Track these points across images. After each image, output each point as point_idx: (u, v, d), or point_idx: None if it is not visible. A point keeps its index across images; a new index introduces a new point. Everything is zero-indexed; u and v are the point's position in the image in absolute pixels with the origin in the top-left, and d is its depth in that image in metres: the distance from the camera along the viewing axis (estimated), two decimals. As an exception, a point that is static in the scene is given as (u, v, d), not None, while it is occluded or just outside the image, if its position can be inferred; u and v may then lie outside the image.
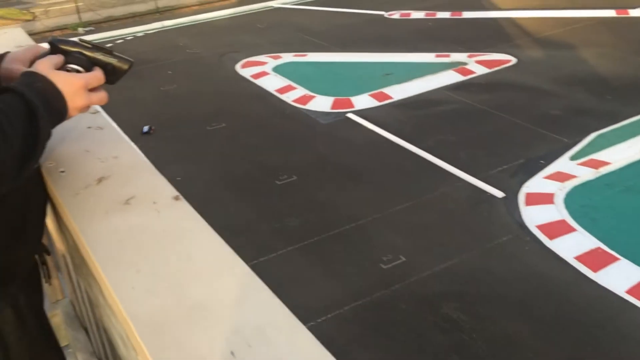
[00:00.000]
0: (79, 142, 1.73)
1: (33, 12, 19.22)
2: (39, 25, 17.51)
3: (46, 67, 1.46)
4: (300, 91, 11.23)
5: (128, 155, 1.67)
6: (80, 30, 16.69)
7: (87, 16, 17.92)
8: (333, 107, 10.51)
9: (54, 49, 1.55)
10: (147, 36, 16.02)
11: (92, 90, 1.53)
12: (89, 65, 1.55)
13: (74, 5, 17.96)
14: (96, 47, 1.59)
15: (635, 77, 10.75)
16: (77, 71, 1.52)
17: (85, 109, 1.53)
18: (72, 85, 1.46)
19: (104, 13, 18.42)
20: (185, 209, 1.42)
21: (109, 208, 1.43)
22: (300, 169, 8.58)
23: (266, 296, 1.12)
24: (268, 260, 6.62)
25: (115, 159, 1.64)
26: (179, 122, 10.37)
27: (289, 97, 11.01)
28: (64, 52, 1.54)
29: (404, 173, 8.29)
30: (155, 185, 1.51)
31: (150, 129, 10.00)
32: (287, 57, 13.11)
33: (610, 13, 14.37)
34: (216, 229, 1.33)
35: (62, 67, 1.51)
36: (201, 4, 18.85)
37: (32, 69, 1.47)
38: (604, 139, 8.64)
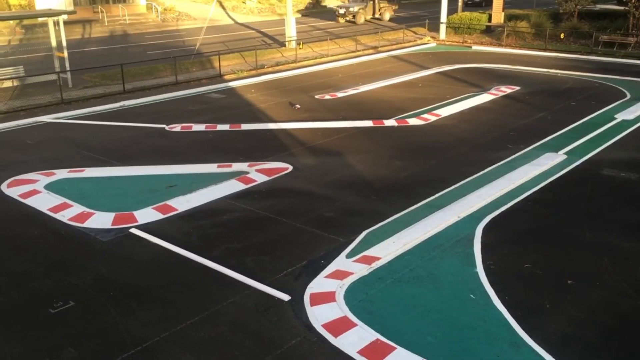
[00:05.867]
0: None
1: None
2: None
3: None
4: (77, 209, 10.60)
5: None
6: None
7: None
8: (114, 223, 10.07)
9: None
10: None
11: None
12: None
13: None
14: None
15: (393, 178, 12.23)
16: None
17: None
18: None
19: None
20: None
21: None
22: (79, 293, 7.94)
23: None
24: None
25: None
26: None
27: (64, 216, 10.30)
28: None
29: (192, 286, 8.14)
30: None
31: None
32: (62, 174, 12.38)
33: (368, 124, 16.37)
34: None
35: None
36: (-41, 118, 17.15)
37: None
38: (374, 236, 9.53)
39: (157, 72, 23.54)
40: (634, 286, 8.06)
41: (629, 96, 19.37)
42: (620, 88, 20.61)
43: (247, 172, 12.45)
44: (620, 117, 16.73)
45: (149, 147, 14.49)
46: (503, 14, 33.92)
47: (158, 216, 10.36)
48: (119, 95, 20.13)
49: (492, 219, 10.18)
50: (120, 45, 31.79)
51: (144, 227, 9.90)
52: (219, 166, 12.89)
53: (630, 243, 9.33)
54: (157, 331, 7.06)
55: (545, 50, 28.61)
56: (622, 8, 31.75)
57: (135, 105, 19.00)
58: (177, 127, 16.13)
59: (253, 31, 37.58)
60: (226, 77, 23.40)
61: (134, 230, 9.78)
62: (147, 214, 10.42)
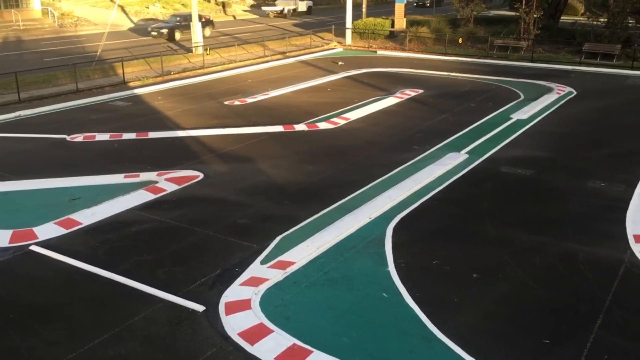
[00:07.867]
0: None
1: None
2: None
3: None
4: (-32, 228, 9.88)
5: None
6: None
7: None
8: (12, 241, 9.46)
9: None
10: None
11: None
12: None
13: None
14: None
15: (305, 182, 12.32)
16: None
17: None
18: None
19: None
20: None
21: None
22: (-27, 318, 7.39)
23: None
24: None
25: None
26: None
27: (-46, 237, 9.56)
28: None
29: (100, 303, 7.79)
30: None
31: None
32: (-50, 190, 11.50)
33: (279, 129, 16.40)
34: None
35: None
36: None
37: None
38: (288, 241, 9.55)
39: (56, 80, 22.39)
40: (533, 277, 8.57)
41: (522, 97, 20.62)
42: (514, 89, 21.90)
43: (156, 182, 12.10)
44: (515, 117, 17.77)
45: (49, 159, 13.74)
46: (405, 19, 35.13)
47: (61, 231, 9.85)
48: (14, 105, 18.96)
49: (402, 219, 10.49)
50: (14, 52, 30.00)
51: (46, 244, 9.37)
52: (125, 176, 12.44)
53: (529, 236, 9.91)
54: (63, 352, 6.70)
55: (445, 54, 29.90)
56: (513, 14, 33.77)
57: (33, 115, 17.98)
58: (79, 137, 15.41)
59: (158, 36, 36.58)
60: (131, 84, 22.65)
61: (34, 247, 9.24)
62: (49, 230, 9.87)
